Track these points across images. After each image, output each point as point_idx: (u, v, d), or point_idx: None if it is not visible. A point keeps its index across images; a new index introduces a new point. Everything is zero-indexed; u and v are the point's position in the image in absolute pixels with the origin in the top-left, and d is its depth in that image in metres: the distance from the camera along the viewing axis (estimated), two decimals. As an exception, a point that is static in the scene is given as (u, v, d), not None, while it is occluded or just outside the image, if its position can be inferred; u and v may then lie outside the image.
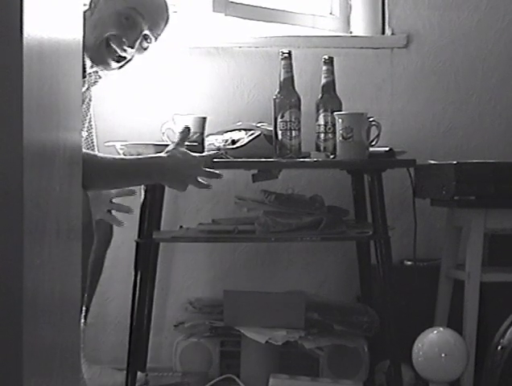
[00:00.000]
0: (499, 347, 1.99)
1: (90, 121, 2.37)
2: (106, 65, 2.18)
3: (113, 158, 1.94)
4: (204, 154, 2.04)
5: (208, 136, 2.41)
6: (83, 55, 1.77)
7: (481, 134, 2.77)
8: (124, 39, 2.14)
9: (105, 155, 1.97)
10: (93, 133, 2.40)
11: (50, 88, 0.96)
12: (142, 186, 2.25)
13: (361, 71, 2.75)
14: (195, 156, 1.96)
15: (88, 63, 2.18)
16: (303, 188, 2.67)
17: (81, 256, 1.24)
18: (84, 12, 2.12)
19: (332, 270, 2.75)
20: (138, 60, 2.27)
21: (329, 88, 2.38)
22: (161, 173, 1.94)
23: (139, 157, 1.99)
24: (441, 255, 2.53)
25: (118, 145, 2.22)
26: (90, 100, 2.32)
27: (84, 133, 2.32)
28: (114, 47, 2.14)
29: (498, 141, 2.76)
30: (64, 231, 1.05)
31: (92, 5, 2.15)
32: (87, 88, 2.25)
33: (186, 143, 2.00)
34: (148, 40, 2.20)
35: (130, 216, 2.18)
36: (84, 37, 1.71)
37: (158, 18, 2.20)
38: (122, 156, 2.13)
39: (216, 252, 2.74)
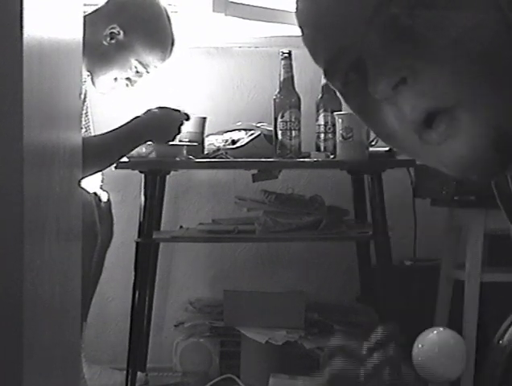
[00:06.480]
0: (499, 347, 1.99)
1: (87, 115, 2.38)
2: (98, 88, 2.31)
3: (104, 136, 2.09)
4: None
5: (208, 136, 2.41)
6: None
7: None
8: (128, 83, 2.30)
9: (96, 135, 2.14)
10: (90, 128, 2.41)
11: (50, 88, 0.96)
12: (143, 186, 2.25)
13: (361, 71, 2.75)
14: (172, 110, 2.16)
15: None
16: (303, 188, 2.67)
17: (85, 255, 1.24)
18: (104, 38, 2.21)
19: (332, 270, 2.75)
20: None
21: (329, 88, 2.38)
22: (149, 132, 2.12)
23: (124, 125, 2.10)
24: (441, 255, 2.53)
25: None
26: (85, 95, 2.35)
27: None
28: (119, 85, 2.30)
29: (498, 141, 2.76)
30: (64, 231, 1.05)
31: (114, 41, 2.22)
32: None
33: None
34: None
35: (130, 216, 2.18)
36: (89, 54, 1.82)
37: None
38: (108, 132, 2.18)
39: (216, 252, 2.74)
